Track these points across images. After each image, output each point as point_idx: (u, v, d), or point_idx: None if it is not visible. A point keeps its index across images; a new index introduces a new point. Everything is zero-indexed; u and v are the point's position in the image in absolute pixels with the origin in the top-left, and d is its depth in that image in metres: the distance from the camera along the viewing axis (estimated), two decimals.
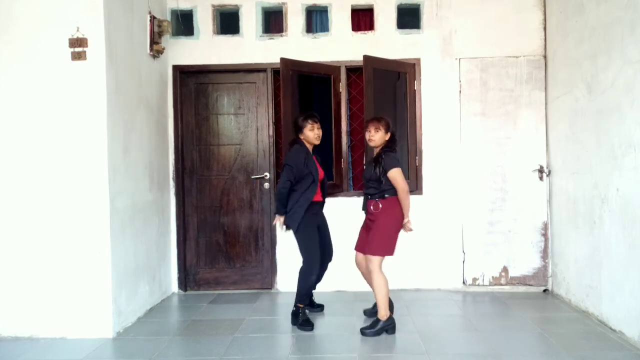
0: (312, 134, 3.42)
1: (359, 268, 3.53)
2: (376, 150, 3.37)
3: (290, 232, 3.44)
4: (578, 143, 3.69)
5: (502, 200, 4.25)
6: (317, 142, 3.48)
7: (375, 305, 3.42)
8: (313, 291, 3.67)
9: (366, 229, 3.40)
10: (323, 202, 3.61)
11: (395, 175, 3.21)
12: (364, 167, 3.39)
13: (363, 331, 3.24)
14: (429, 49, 4.32)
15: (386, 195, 3.26)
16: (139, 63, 3.81)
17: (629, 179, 3.04)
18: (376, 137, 3.29)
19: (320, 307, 3.76)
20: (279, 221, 3.43)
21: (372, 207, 3.32)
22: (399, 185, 3.23)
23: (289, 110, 3.97)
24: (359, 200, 4.33)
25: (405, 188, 3.25)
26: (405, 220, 3.30)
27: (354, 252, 3.53)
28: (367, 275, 3.41)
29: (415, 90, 4.34)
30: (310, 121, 3.42)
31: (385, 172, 3.21)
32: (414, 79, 4.34)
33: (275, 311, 3.85)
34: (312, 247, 3.41)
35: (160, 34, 4.06)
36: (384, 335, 3.22)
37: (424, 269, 4.33)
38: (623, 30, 3.08)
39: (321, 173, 3.48)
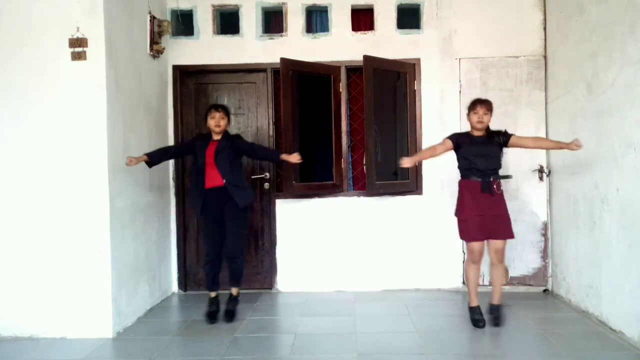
0: (212, 122, 3.53)
1: (480, 257, 3.32)
2: (478, 133, 3.34)
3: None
4: None
5: None
6: (217, 130, 3.53)
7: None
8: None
9: (486, 212, 3.24)
10: (218, 187, 3.49)
11: (517, 135, 3.36)
12: (468, 144, 3.32)
13: (498, 324, 3.29)
14: (429, 49, 4.32)
15: (500, 174, 3.32)
16: (139, 63, 3.80)
17: (629, 179, 3.04)
18: (485, 119, 3.31)
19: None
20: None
21: (495, 187, 3.25)
22: (529, 138, 3.41)
23: (289, 110, 3.97)
24: (359, 200, 4.36)
25: (535, 134, 3.47)
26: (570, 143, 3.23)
27: (479, 242, 3.28)
28: (497, 263, 3.32)
29: (415, 90, 4.34)
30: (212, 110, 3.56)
31: (507, 142, 3.29)
32: (414, 79, 4.33)
33: (275, 311, 3.84)
34: (204, 235, 3.63)
35: (160, 34, 4.06)
36: (383, 335, 3.22)
37: (424, 269, 4.33)
38: (623, 30, 3.08)
39: (207, 159, 3.48)
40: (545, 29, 4.24)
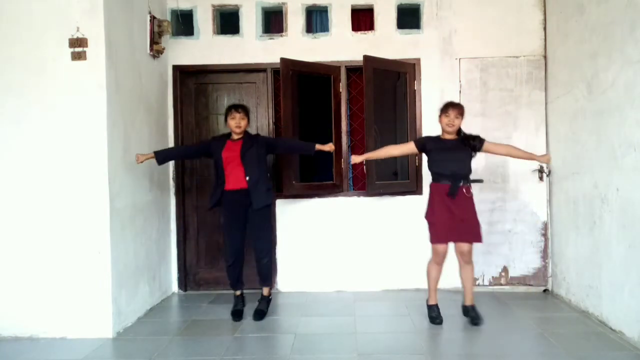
0: (232, 122, 3.50)
1: (443, 259, 3.38)
2: (449, 137, 3.35)
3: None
4: (578, 143, 3.69)
5: (502, 200, 4.25)
6: (237, 131, 3.51)
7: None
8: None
9: (454, 215, 3.27)
10: (242, 190, 3.47)
11: (491, 141, 3.38)
12: (436, 152, 3.34)
13: (478, 323, 3.34)
14: (429, 49, 4.32)
15: (471, 179, 3.35)
16: (139, 63, 3.80)
17: (629, 179, 3.04)
18: (457, 122, 3.31)
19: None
20: None
21: (465, 191, 3.28)
22: (501, 146, 3.43)
23: (289, 110, 3.97)
24: (359, 201, 4.36)
25: (507, 144, 3.48)
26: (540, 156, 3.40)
27: (444, 245, 3.33)
28: (465, 264, 3.38)
29: (415, 90, 4.34)
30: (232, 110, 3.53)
31: (480, 147, 3.31)
32: (414, 79, 4.33)
33: (276, 311, 3.84)
34: (225, 236, 3.62)
35: (160, 34, 4.05)
36: (383, 335, 3.22)
37: (423, 269, 4.31)
38: (623, 30, 3.08)
39: (227, 161, 3.47)
40: (545, 29, 4.24)
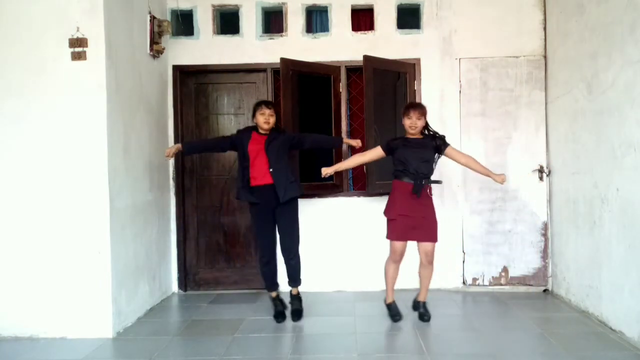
0: (261, 118, 3.47)
1: (401, 257, 3.43)
2: (412, 136, 3.39)
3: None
4: (578, 143, 3.69)
5: (502, 200, 4.25)
6: (265, 127, 3.47)
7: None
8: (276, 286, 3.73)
9: (415, 214, 3.31)
10: (267, 185, 3.44)
11: (454, 148, 3.41)
12: (400, 150, 3.37)
13: (425, 319, 3.45)
14: (429, 49, 4.32)
15: (432, 179, 3.38)
16: (139, 63, 3.80)
17: (629, 179, 3.04)
18: (419, 123, 3.34)
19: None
20: None
21: (428, 191, 3.34)
22: (462, 155, 3.40)
23: (289, 110, 3.97)
24: (359, 200, 4.36)
25: (469, 154, 3.45)
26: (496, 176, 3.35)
27: (402, 242, 3.38)
28: (427, 264, 3.43)
29: (415, 90, 4.34)
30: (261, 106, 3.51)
31: (442, 149, 3.35)
32: (414, 79, 4.34)
33: None
34: (256, 235, 3.61)
35: (160, 34, 4.05)
36: (383, 335, 3.22)
37: None
38: (623, 30, 3.08)
39: (252, 154, 3.44)
40: (545, 29, 4.24)
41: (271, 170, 3.41)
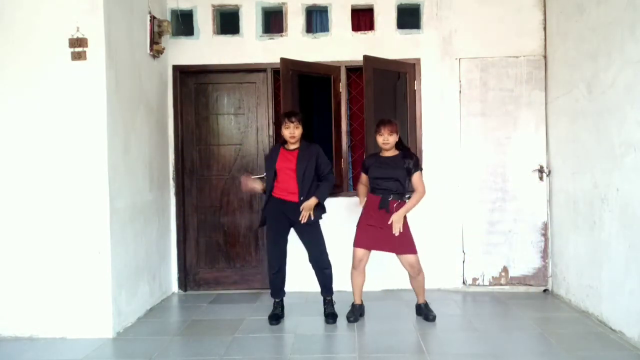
0: (287, 132, 3.41)
1: (359, 264, 3.49)
2: (387, 153, 3.44)
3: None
4: (578, 143, 3.69)
5: (502, 200, 4.25)
6: (292, 141, 3.41)
7: (360, 306, 3.62)
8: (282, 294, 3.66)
9: (382, 226, 3.36)
10: (291, 203, 3.40)
11: (420, 177, 3.41)
12: (375, 166, 3.44)
13: (430, 318, 3.46)
14: (429, 49, 4.32)
15: (407, 197, 3.41)
16: (139, 63, 3.80)
17: (629, 179, 3.04)
18: (391, 139, 3.38)
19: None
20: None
21: (395, 207, 3.37)
22: (422, 187, 3.39)
23: (289, 110, 3.96)
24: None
25: (425, 191, 3.41)
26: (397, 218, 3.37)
27: (361, 250, 3.47)
28: (415, 276, 3.48)
29: (415, 90, 4.34)
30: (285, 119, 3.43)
31: (413, 173, 3.37)
32: (414, 79, 4.34)
33: None
34: (268, 244, 3.55)
35: (160, 34, 4.05)
36: (383, 335, 3.22)
37: (424, 269, 4.31)
38: (623, 30, 3.08)
39: (281, 172, 3.39)
40: (545, 29, 4.24)
41: (302, 198, 3.36)
